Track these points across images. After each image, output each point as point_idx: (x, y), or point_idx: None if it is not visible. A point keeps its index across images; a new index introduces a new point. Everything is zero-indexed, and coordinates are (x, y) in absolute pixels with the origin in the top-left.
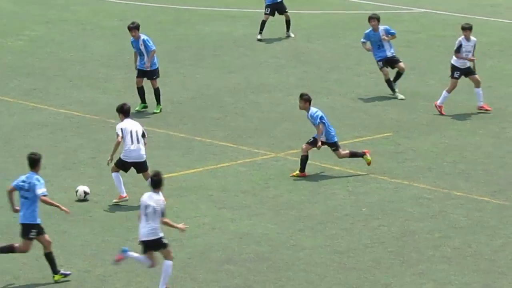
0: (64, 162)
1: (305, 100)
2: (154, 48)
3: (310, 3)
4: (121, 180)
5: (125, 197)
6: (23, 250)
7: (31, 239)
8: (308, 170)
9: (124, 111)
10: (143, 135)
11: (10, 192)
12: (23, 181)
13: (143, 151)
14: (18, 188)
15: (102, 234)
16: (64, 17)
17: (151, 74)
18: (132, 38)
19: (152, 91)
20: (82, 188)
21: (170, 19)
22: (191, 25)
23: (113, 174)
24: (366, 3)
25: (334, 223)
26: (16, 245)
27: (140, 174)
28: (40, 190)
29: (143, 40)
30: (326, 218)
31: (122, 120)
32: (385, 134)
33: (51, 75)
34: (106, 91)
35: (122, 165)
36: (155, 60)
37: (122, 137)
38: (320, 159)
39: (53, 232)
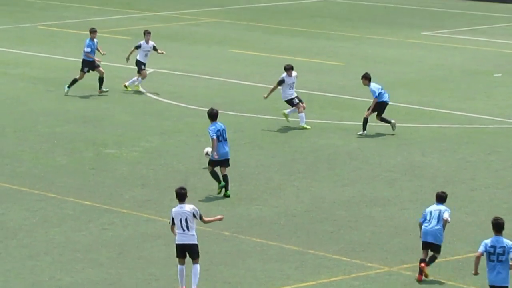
0: None
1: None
2: None
3: (426, 116)
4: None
5: None
6: None
7: None
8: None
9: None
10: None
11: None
12: None
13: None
14: None
15: None
16: (179, 128)
17: None
18: None
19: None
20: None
21: (286, 130)
22: (305, 137)
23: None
24: (482, 117)
25: None
26: None
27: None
28: None
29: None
30: None
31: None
32: None
33: (165, 187)
34: None
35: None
36: None
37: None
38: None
39: None
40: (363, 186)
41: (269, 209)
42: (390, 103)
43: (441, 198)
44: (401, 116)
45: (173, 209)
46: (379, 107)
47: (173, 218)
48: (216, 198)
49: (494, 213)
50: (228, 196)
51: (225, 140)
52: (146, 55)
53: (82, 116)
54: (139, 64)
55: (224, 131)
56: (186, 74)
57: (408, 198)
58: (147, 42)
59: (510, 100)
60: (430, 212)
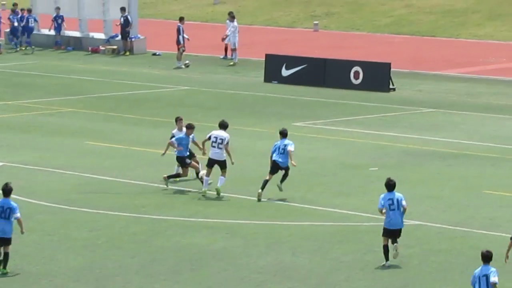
0: None
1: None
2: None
3: (297, 213)
4: None
5: None
6: None
7: None
8: None
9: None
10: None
11: None
12: None
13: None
14: None
15: None
16: (30, 227)
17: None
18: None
19: None
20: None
21: (145, 229)
22: (167, 236)
23: None
24: (358, 214)
25: None
26: None
27: None
28: None
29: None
30: None
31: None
32: None
33: None
34: None
35: None
36: None
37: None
38: None
39: None
40: None
41: None
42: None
43: None
44: (271, 213)
45: None
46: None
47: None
48: None
49: None
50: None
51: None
52: None
53: None
54: None
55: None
56: (38, 168)
57: None
58: None
59: None
60: None
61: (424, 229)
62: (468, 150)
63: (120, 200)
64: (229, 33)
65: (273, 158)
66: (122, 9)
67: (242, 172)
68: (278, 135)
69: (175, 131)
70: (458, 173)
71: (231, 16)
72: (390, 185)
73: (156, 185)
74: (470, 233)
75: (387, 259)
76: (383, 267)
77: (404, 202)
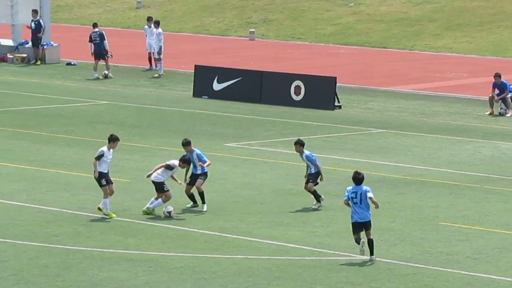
0: None
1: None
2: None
3: (229, 245)
4: None
5: None
6: None
7: None
8: None
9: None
10: None
11: None
12: None
13: None
14: None
15: None
16: None
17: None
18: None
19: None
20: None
21: (58, 261)
22: (83, 269)
23: None
24: (298, 247)
25: None
26: None
27: None
28: None
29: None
30: None
31: None
32: None
33: None
34: None
35: None
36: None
37: None
38: None
39: None
40: None
41: None
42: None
43: None
44: (199, 244)
45: None
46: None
47: None
48: None
49: None
50: None
51: None
52: None
53: None
54: None
55: None
56: None
57: None
58: None
59: (331, 227)
60: None
61: (372, 265)
62: (422, 176)
63: (29, 228)
64: (152, 43)
65: None
66: (34, 12)
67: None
68: None
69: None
70: (410, 202)
71: (155, 22)
72: (358, 179)
73: (70, 211)
74: (424, 270)
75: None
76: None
77: (370, 194)
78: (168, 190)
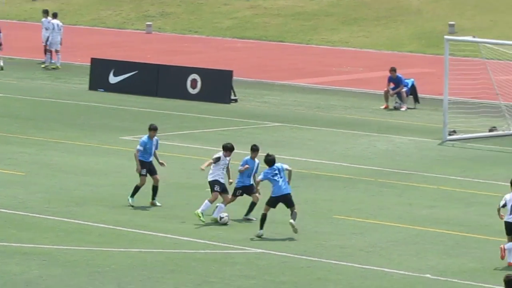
0: None
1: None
2: None
3: (124, 239)
4: None
5: None
6: None
7: None
8: None
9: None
10: None
11: None
12: None
13: None
14: None
15: None
16: None
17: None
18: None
19: None
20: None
21: None
22: None
23: None
24: (192, 241)
25: None
26: None
27: None
28: None
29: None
30: None
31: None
32: None
33: None
34: None
35: None
36: None
37: None
38: None
39: None
40: None
41: None
42: None
43: None
44: (94, 238)
45: None
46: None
47: None
48: None
49: None
50: None
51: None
52: None
53: None
54: None
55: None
56: None
57: None
58: None
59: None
60: None
61: (266, 258)
62: (317, 170)
63: None
64: (48, 35)
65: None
66: None
67: (62, 191)
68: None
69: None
70: (305, 195)
71: (53, 14)
72: (270, 160)
73: None
74: (318, 263)
75: (261, 227)
76: (257, 236)
77: (286, 166)
78: (224, 191)
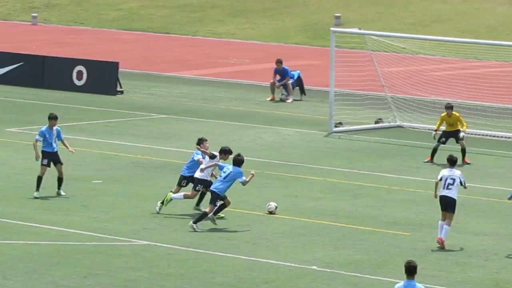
0: None
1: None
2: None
3: (10, 231)
4: None
5: None
6: None
7: None
8: None
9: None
10: None
11: None
12: None
13: None
14: None
15: None
16: None
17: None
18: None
19: None
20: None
21: None
22: None
23: None
24: (78, 233)
25: None
26: None
27: None
28: None
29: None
30: None
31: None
32: None
33: None
34: None
35: None
36: None
37: None
38: None
39: None
40: None
41: None
42: None
43: None
44: None
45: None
46: None
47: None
48: None
49: None
50: None
51: None
52: None
53: None
54: None
55: None
56: None
57: None
58: None
59: (112, 213)
60: None
61: (153, 249)
62: None
63: None
64: None
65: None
66: None
67: None
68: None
69: None
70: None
71: None
72: (238, 160)
73: None
74: (204, 255)
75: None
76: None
77: (241, 179)
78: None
